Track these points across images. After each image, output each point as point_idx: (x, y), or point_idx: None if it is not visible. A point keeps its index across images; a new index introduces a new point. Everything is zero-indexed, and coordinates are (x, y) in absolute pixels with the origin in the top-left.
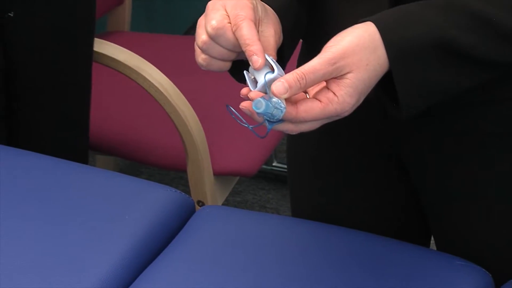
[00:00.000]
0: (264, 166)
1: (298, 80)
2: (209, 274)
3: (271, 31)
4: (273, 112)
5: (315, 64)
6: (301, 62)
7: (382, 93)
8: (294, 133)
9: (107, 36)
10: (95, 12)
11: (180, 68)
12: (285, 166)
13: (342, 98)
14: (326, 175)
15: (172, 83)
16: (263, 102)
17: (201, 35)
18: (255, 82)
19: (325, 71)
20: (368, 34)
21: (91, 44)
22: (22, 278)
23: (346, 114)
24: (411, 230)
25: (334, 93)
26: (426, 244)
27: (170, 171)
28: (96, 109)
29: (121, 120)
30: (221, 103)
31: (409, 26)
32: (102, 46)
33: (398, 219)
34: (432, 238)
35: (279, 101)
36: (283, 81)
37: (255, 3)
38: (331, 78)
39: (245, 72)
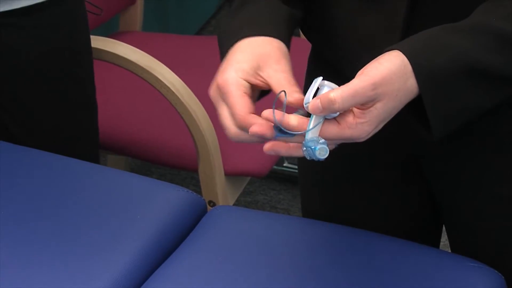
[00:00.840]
0: (275, 167)
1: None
2: (220, 274)
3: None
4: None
5: (357, 88)
6: (310, 74)
7: (412, 116)
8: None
9: (119, 36)
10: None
11: (192, 68)
12: (296, 167)
13: (360, 126)
14: (337, 176)
15: (183, 83)
16: (327, 149)
17: (229, 128)
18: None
19: (365, 95)
20: (404, 64)
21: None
22: (33, 277)
23: (361, 140)
24: (422, 232)
25: (355, 117)
26: (436, 247)
27: (181, 171)
28: (108, 108)
29: (132, 120)
30: None
31: (437, 53)
32: (114, 46)
33: (410, 221)
34: (445, 241)
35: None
36: (318, 102)
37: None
38: (367, 104)
39: (320, 79)
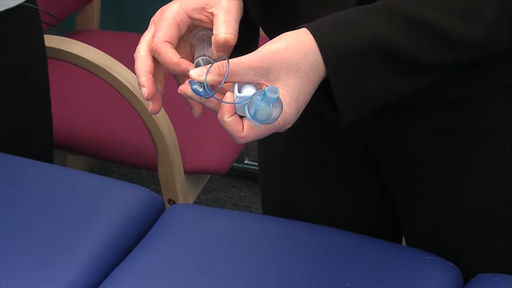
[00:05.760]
0: (235, 164)
1: (218, 67)
2: (178, 273)
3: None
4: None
5: (242, 57)
6: None
7: (321, 100)
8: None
9: (76, 35)
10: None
11: None
12: (257, 164)
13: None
14: (297, 172)
15: None
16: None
17: (139, 48)
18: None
19: (249, 66)
20: (297, 41)
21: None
22: None
23: (289, 125)
24: (383, 227)
25: None
26: (398, 241)
27: (142, 170)
28: (66, 108)
29: (91, 119)
30: None
31: (344, 31)
32: (70, 45)
33: (370, 216)
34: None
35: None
36: (202, 67)
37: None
38: (261, 82)
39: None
